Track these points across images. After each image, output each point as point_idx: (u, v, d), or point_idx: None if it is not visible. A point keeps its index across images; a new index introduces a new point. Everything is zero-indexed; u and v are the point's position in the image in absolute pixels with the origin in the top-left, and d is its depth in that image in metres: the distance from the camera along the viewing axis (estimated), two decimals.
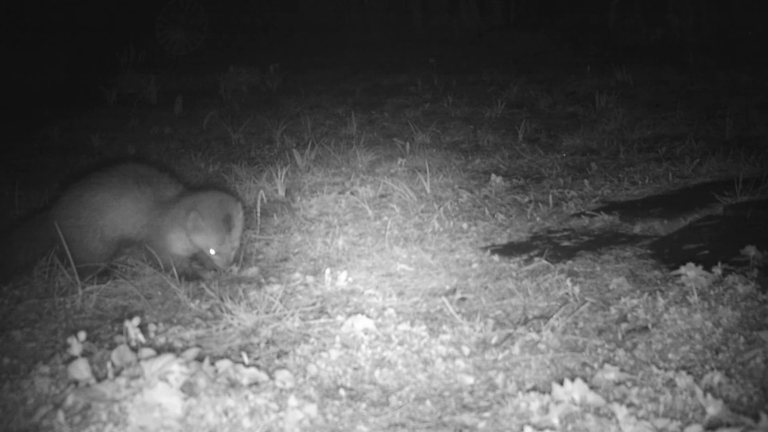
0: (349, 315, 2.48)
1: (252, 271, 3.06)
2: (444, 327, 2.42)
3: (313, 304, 2.68)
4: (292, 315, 2.53)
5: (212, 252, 2.92)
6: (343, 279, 2.84)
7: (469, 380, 2.10)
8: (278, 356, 2.26)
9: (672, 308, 2.39)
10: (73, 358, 2.01)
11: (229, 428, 1.83)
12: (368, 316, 2.45)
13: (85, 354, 2.11)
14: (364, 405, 1.99)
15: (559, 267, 2.87)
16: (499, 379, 2.09)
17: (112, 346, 2.19)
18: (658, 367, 2.06)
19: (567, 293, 2.62)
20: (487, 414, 1.92)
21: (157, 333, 2.44)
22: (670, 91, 6.30)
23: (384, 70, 8.22)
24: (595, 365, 2.14)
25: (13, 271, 3.06)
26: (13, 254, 3.06)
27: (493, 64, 8.29)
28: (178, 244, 2.95)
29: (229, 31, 10.75)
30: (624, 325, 2.36)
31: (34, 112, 6.68)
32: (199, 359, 2.00)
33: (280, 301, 2.63)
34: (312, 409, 1.92)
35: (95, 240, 2.98)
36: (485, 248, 3.15)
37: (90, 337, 2.39)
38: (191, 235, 2.89)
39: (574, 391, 1.89)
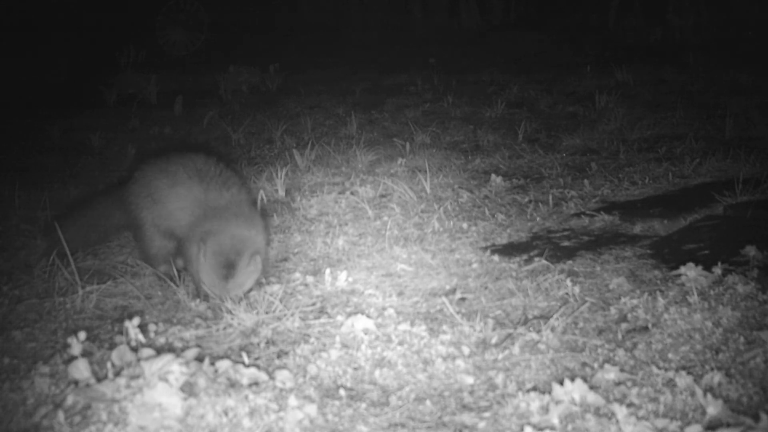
0: (349, 315, 2.48)
1: None
2: (444, 327, 2.42)
3: (313, 304, 2.68)
4: (292, 315, 2.53)
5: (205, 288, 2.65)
6: (343, 279, 2.84)
7: (469, 380, 2.10)
8: (278, 356, 2.26)
9: (672, 308, 2.39)
10: (73, 358, 2.01)
11: (229, 428, 1.83)
12: (368, 316, 2.45)
13: (85, 354, 2.11)
14: (364, 405, 1.99)
15: (559, 267, 2.87)
16: (499, 379, 2.09)
17: (112, 346, 2.19)
18: (658, 367, 2.06)
19: (567, 293, 2.62)
20: (487, 414, 1.92)
21: (157, 333, 2.44)
22: (670, 91, 6.29)
23: (384, 70, 8.22)
24: (595, 365, 2.14)
25: (86, 247, 3.10)
26: (88, 230, 3.07)
27: (493, 64, 8.29)
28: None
29: (229, 31, 10.75)
30: (624, 325, 2.36)
31: (34, 112, 6.67)
32: (199, 359, 2.00)
33: (280, 301, 2.63)
34: (312, 409, 1.92)
35: (153, 231, 2.89)
36: (485, 248, 3.15)
37: (90, 337, 2.39)
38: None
39: (574, 391, 1.89)
